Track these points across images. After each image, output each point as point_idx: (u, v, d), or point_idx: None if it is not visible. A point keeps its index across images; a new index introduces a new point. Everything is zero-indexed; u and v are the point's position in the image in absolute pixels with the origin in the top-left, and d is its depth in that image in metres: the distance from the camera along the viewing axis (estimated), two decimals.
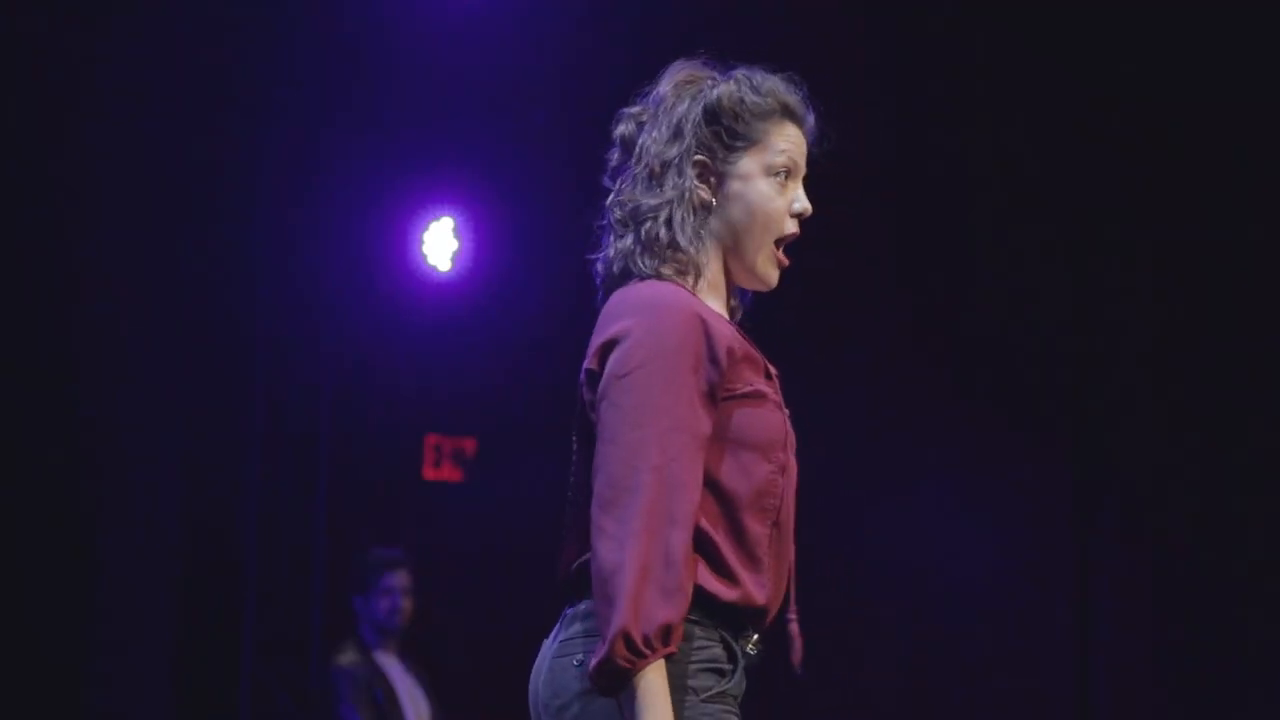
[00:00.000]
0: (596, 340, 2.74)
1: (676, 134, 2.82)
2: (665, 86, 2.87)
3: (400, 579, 6.64)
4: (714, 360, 2.70)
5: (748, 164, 2.82)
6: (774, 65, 2.89)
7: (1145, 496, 7.05)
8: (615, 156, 2.88)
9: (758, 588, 2.73)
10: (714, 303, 2.82)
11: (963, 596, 7.16)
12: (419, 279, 7.22)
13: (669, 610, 2.58)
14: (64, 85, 6.46)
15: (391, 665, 6.65)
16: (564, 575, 2.77)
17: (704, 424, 2.67)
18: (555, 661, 2.71)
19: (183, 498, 6.77)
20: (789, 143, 2.85)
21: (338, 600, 6.81)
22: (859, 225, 7.15)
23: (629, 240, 2.81)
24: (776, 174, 2.83)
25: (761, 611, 2.75)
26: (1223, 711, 6.88)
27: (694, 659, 2.66)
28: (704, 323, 2.72)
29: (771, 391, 2.81)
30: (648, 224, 2.80)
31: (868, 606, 7.15)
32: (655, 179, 2.82)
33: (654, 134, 2.83)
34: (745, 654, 2.74)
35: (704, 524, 2.69)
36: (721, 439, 2.72)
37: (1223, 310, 6.98)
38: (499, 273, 7.15)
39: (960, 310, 7.27)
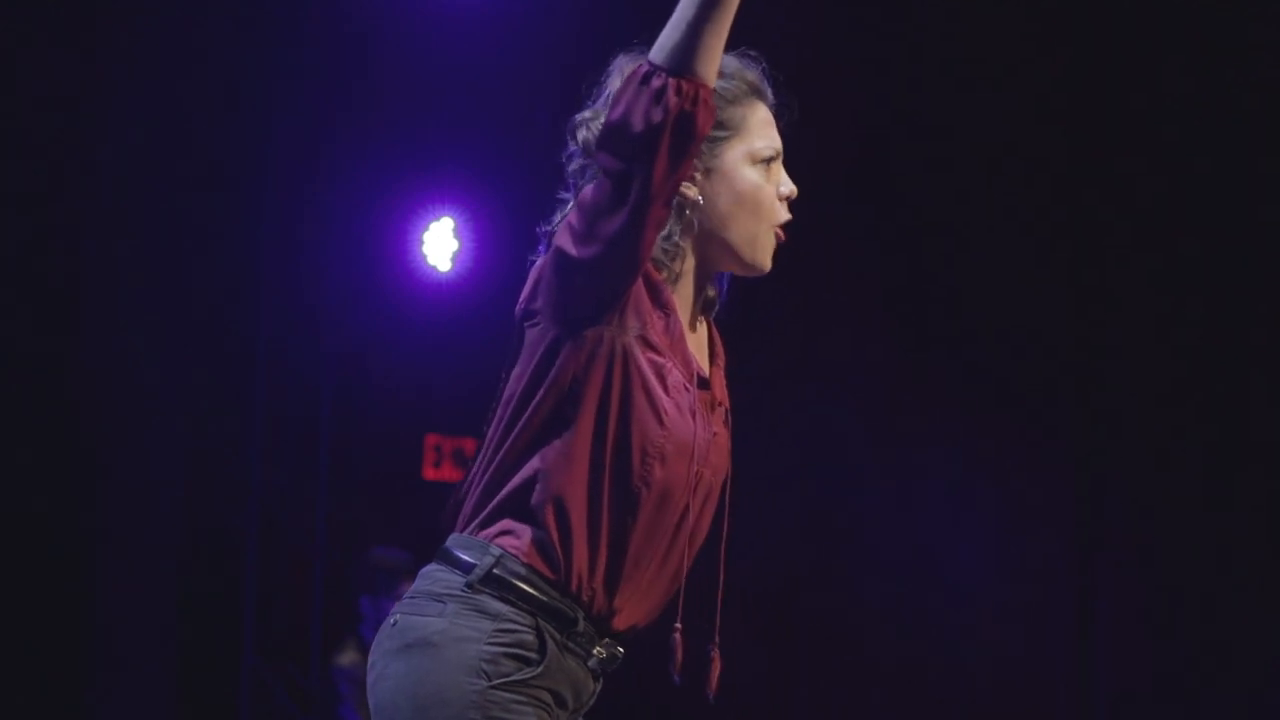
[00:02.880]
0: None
1: None
2: (618, 83, 2.71)
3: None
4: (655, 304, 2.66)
5: (731, 154, 2.71)
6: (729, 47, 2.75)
7: (1146, 497, 7.05)
8: (575, 163, 2.76)
9: (599, 583, 2.63)
10: (681, 295, 2.72)
11: (963, 596, 7.15)
12: (419, 279, 7.22)
13: None
14: (69, 86, 6.47)
15: None
16: (447, 521, 2.71)
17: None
18: (385, 619, 2.68)
19: (183, 498, 6.77)
20: (766, 125, 2.74)
21: (338, 600, 6.81)
22: (861, 225, 7.15)
23: None
24: (761, 161, 2.72)
25: (588, 601, 2.63)
26: (1222, 711, 6.88)
27: (494, 640, 2.58)
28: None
29: (686, 391, 2.67)
30: None
31: (868, 606, 7.15)
32: None
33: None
34: (577, 651, 2.64)
35: (561, 495, 2.60)
36: (591, 397, 2.62)
37: (1224, 308, 6.98)
38: (499, 273, 7.15)
39: (960, 311, 7.26)
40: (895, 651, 7.18)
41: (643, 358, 2.63)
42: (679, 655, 2.72)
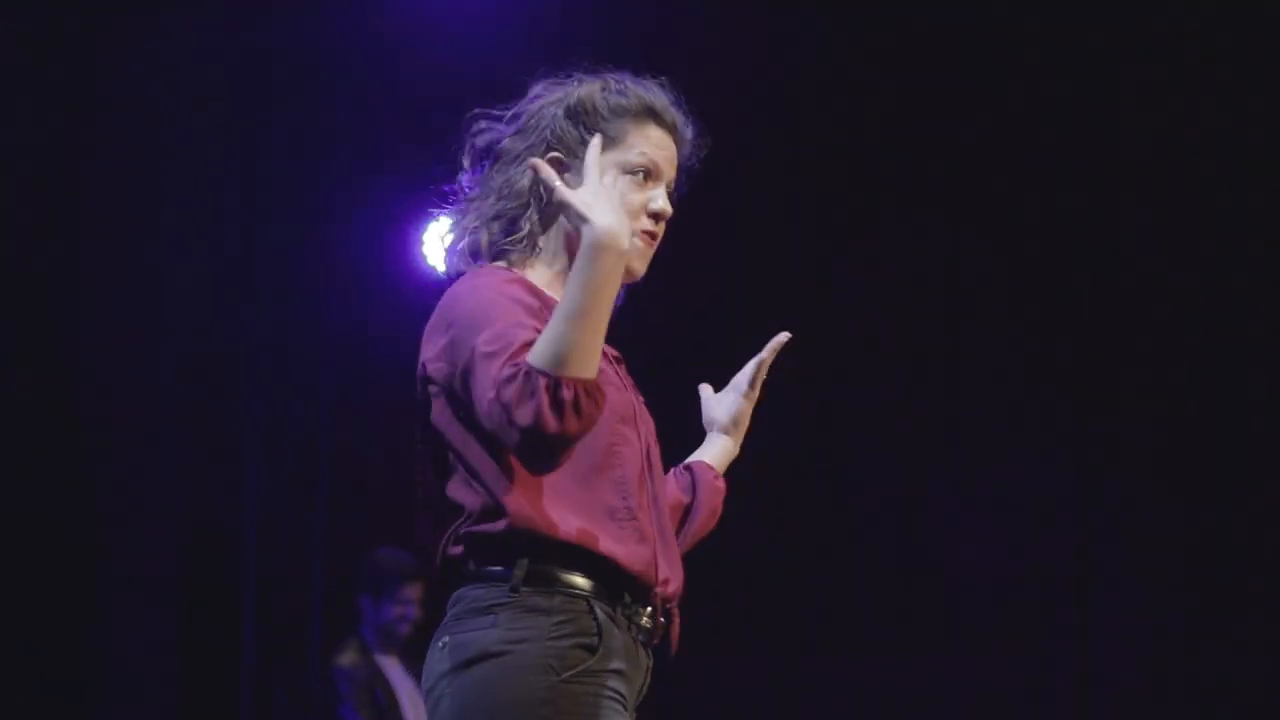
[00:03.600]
0: (425, 338, 2.78)
1: (525, 130, 2.83)
2: (531, 90, 2.89)
3: (417, 591, 6.62)
4: (538, 306, 2.71)
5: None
6: (657, 72, 2.88)
7: (1147, 496, 7.04)
8: (466, 162, 2.88)
9: (628, 553, 2.68)
10: (558, 292, 2.79)
11: (963, 597, 7.15)
12: (419, 279, 7.22)
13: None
14: (70, 86, 6.47)
15: (391, 667, 6.65)
16: (436, 569, 2.76)
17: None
18: (430, 648, 2.71)
19: (183, 498, 6.78)
20: (650, 144, 2.83)
21: (338, 600, 6.81)
22: (860, 228, 7.15)
23: (466, 237, 2.83)
24: (634, 172, 2.81)
25: (637, 578, 2.69)
26: (1223, 711, 6.87)
27: (556, 633, 2.61)
28: (525, 282, 2.76)
29: (608, 369, 2.77)
30: (479, 216, 2.81)
31: (865, 606, 7.14)
32: (498, 173, 2.83)
33: (505, 133, 2.85)
34: (623, 624, 2.68)
35: (562, 490, 2.66)
36: None
37: (1225, 307, 6.97)
38: None
39: (961, 310, 7.25)
40: (895, 653, 7.16)
41: None
42: (672, 630, 2.80)
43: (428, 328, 2.80)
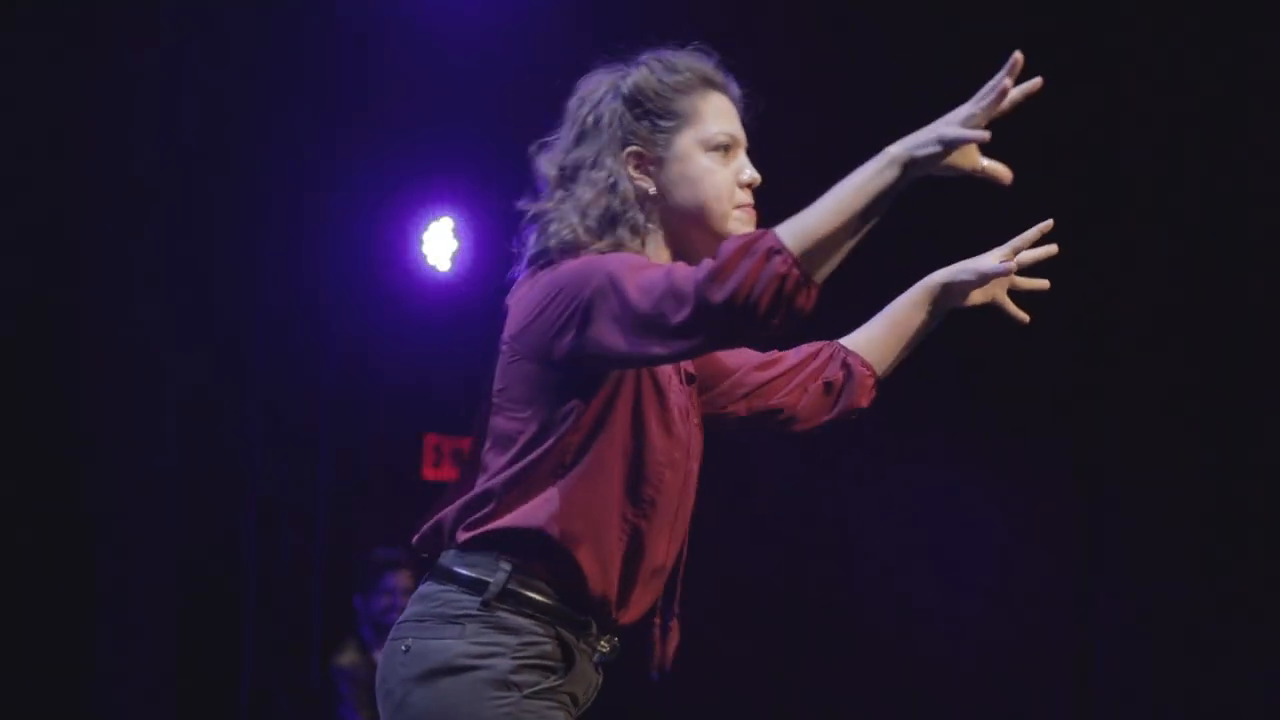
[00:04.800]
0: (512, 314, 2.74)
1: (589, 133, 2.75)
2: (571, 101, 2.82)
3: (401, 579, 6.64)
4: None
5: (683, 143, 2.74)
6: (680, 42, 2.83)
7: (1147, 497, 7.04)
8: (549, 200, 2.80)
9: (614, 587, 2.66)
10: None
11: (962, 599, 7.15)
12: (419, 279, 7.22)
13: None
14: (72, 84, 6.47)
15: None
16: (421, 540, 2.76)
17: None
18: (389, 644, 2.69)
19: (183, 498, 6.78)
20: (720, 114, 2.77)
21: (338, 600, 6.81)
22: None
23: (555, 239, 2.75)
24: (717, 148, 2.75)
25: (604, 606, 2.66)
26: (1223, 713, 6.87)
27: (519, 654, 2.60)
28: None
29: (682, 394, 2.74)
30: (552, 227, 2.74)
31: (865, 608, 7.14)
32: (561, 184, 2.76)
33: (559, 144, 2.78)
34: (587, 650, 2.68)
35: (580, 512, 2.63)
36: (613, 424, 2.65)
37: (1224, 304, 6.97)
38: (499, 273, 7.13)
39: (959, 311, 7.24)
40: (895, 660, 7.16)
41: (647, 379, 2.67)
42: (659, 649, 2.79)
43: (518, 305, 2.75)
